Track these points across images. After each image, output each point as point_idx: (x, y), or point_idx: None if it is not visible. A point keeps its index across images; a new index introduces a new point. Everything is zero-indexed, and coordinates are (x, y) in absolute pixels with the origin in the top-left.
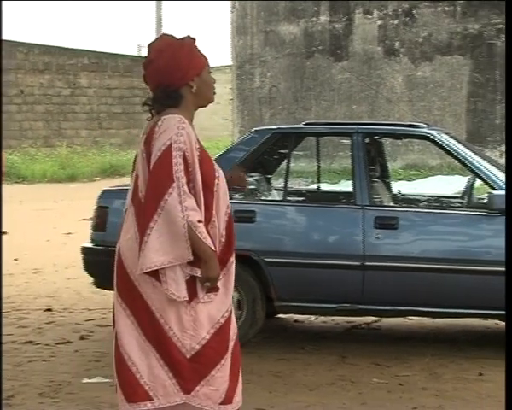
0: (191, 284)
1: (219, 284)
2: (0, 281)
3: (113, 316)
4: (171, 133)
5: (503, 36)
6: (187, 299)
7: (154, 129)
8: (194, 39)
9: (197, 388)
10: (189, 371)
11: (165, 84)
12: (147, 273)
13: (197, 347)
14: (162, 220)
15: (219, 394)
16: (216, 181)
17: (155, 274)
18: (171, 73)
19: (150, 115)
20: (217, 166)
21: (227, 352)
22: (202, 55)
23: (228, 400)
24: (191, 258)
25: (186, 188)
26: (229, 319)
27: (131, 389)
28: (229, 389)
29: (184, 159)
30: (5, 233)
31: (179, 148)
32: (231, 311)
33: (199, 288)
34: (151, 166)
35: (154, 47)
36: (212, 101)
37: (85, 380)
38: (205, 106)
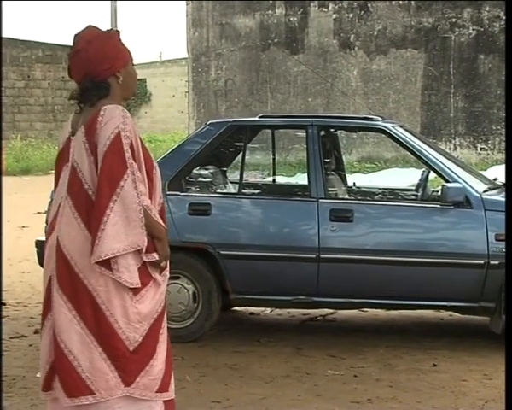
0: (140, 272)
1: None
2: (0, 280)
3: (45, 308)
4: (118, 122)
5: (457, 29)
6: (139, 286)
7: (97, 119)
8: (119, 32)
9: (137, 379)
10: (131, 363)
11: (93, 74)
12: (98, 262)
13: (140, 339)
14: (118, 207)
15: (156, 382)
16: (154, 170)
17: (105, 263)
18: (100, 63)
19: (78, 108)
20: (152, 156)
21: (160, 340)
22: (127, 48)
23: (164, 388)
24: (145, 244)
25: (139, 174)
26: (163, 308)
27: (72, 383)
28: (164, 377)
29: (131, 147)
30: None
31: (127, 136)
32: (165, 300)
33: (152, 271)
34: (102, 156)
35: (81, 37)
36: (135, 94)
37: (39, 374)
38: (128, 98)
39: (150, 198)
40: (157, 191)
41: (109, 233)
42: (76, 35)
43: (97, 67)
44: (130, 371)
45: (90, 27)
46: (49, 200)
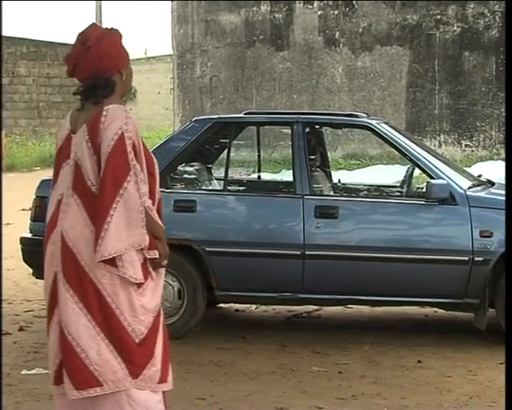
0: (142, 268)
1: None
2: (0, 278)
3: (51, 304)
4: (121, 123)
5: (442, 26)
6: (143, 281)
7: (100, 119)
8: (120, 32)
9: (144, 371)
10: (137, 355)
11: (102, 70)
12: (102, 261)
13: (145, 331)
14: (121, 208)
15: (158, 373)
16: (155, 167)
17: (110, 260)
18: (111, 60)
19: (79, 105)
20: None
21: (159, 332)
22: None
23: (164, 379)
24: (147, 244)
25: (141, 175)
26: (161, 302)
27: (80, 375)
28: (163, 368)
29: (133, 147)
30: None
31: (129, 137)
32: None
33: (149, 269)
34: (106, 156)
35: (90, 35)
36: (131, 90)
37: (24, 372)
38: (126, 95)
39: (152, 194)
40: (156, 188)
41: (112, 233)
42: (82, 33)
43: (107, 64)
44: (138, 363)
45: (94, 25)
46: (34, 197)
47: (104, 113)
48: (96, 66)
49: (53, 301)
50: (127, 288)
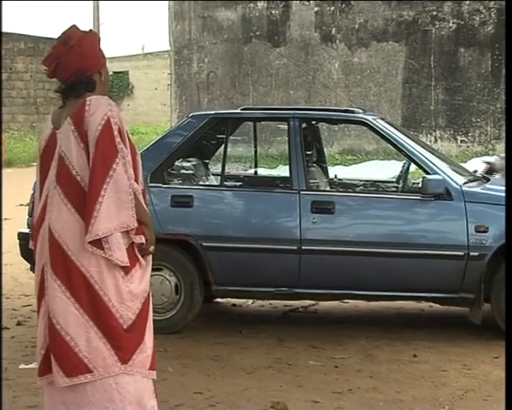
0: (128, 253)
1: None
2: (0, 275)
3: (39, 296)
4: (105, 109)
5: (437, 23)
6: (129, 265)
7: (84, 108)
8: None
9: (134, 356)
10: (126, 341)
11: (84, 69)
12: (90, 243)
13: (133, 317)
14: (111, 189)
15: (148, 359)
16: (137, 157)
17: (97, 243)
18: (91, 59)
19: (62, 103)
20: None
21: (149, 319)
22: None
23: (153, 366)
24: (136, 225)
25: (129, 158)
26: (150, 289)
27: (70, 363)
28: (152, 355)
29: (119, 132)
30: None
31: (115, 122)
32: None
33: (137, 255)
34: (95, 141)
35: (72, 36)
36: (108, 92)
37: (22, 366)
38: (104, 95)
39: (136, 183)
40: (139, 178)
41: (104, 213)
42: (63, 34)
43: (89, 63)
44: (127, 349)
45: (74, 27)
46: (32, 192)
47: (87, 102)
48: (78, 65)
49: (40, 293)
50: (114, 274)
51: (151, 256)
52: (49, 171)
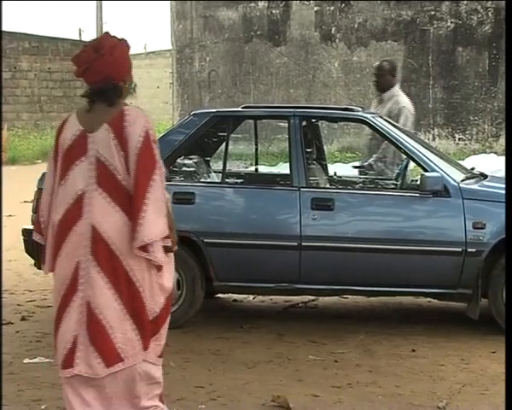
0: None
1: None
2: (0, 272)
3: (71, 290)
4: (143, 122)
5: (436, 22)
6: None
7: (123, 118)
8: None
9: (151, 344)
10: (148, 330)
11: (113, 76)
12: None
13: (158, 310)
14: (151, 198)
15: (160, 348)
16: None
17: (143, 246)
18: (120, 68)
19: (88, 107)
20: None
21: (168, 311)
22: None
23: (162, 354)
24: (167, 232)
25: (164, 169)
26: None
27: (110, 354)
28: (163, 346)
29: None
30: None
31: (152, 134)
32: None
33: (165, 255)
34: (137, 151)
35: (104, 43)
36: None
37: (26, 360)
38: (124, 99)
39: None
40: None
41: (149, 220)
42: (96, 40)
43: (117, 71)
44: (148, 337)
45: (107, 34)
46: (37, 188)
47: (126, 112)
48: (107, 72)
49: (72, 287)
50: (150, 272)
51: (172, 255)
52: (74, 169)
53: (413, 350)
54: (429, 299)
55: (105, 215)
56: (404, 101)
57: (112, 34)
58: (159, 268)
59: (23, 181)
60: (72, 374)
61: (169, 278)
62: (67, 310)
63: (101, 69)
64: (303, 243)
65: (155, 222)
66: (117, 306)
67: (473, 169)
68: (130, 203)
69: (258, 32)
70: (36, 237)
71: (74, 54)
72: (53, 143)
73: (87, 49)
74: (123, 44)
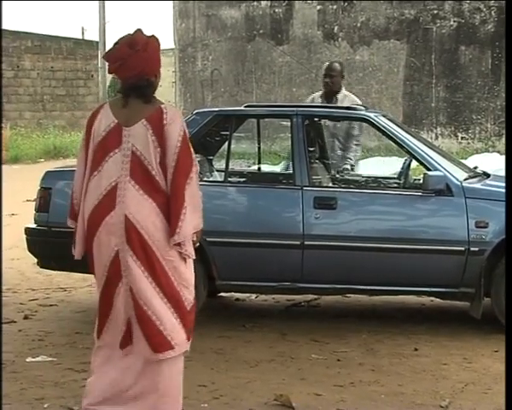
0: None
1: None
2: (0, 270)
3: (116, 276)
4: (181, 122)
5: (438, 21)
6: (194, 258)
7: (162, 117)
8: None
9: (190, 335)
10: (189, 321)
11: (146, 72)
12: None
13: (192, 300)
14: (188, 195)
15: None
16: None
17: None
18: (153, 64)
19: (123, 102)
20: None
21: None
22: None
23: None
24: (202, 227)
25: (198, 166)
26: None
27: (158, 340)
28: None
29: None
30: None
31: (187, 133)
32: None
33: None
34: (177, 151)
35: (138, 40)
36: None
37: (29, 359)
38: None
39: None
40: None
41: (187, 219)
42: (129, 37)
43: (150, 67)
44: (190, 329)
45: (140, 31)
46: (39, 188)
47: (164, 111)
48: (141, 68)
49: (117, 274)
50: (181, 263)
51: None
52: (108, 161)
53: (416, 349)
54: (432, 298)
55: (138, 206)
56: (357, 99)
57: (128, 32)
58: (185, 261)
59: (26, 180)
60: (125, 353)
61: (192, 271)
62: (115, 296)
63: (136, 65)
64: (305, 242)
65: (192, 219)
66: (156, 294)
67: (475, 168)
68: (162, 196)
69: (261, 31)
70: (71, 223)
71: (107, 51)
72: (83, 133)
73: (121, 46)
74: (155, 40)
